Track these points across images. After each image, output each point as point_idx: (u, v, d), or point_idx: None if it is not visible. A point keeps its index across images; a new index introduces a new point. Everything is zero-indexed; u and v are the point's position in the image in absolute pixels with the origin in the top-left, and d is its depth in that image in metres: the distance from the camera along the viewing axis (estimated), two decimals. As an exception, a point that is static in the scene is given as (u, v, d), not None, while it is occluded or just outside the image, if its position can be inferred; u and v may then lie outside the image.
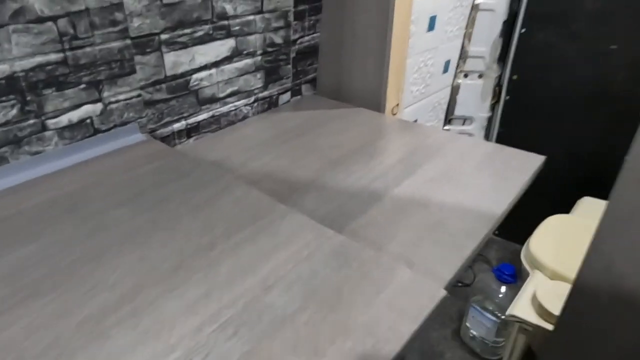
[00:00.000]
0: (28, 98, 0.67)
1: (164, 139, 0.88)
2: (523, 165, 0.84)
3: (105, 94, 0.76)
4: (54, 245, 0.56)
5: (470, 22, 1.74)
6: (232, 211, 0.62)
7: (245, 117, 1.05)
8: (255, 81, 1.03)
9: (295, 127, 1.01)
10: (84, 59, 0.71)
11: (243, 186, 0.69)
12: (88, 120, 0.76)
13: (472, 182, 0.78)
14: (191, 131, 0.93)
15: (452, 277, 0.57)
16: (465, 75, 1.85)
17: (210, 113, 0.96)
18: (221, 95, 0.96)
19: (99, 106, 0.76)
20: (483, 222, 0.68)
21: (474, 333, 1.58)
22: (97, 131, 0.78)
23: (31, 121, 0.69)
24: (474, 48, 1.79)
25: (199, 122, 0.94)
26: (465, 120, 1.96)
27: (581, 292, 0.84)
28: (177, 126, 0.90)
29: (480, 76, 1.86)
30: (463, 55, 1.80)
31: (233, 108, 1.00)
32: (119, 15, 0.72)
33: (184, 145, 0.92)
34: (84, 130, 0.76)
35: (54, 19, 0.65)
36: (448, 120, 1.94)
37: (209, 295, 0.48)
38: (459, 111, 1.92)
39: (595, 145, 1.70)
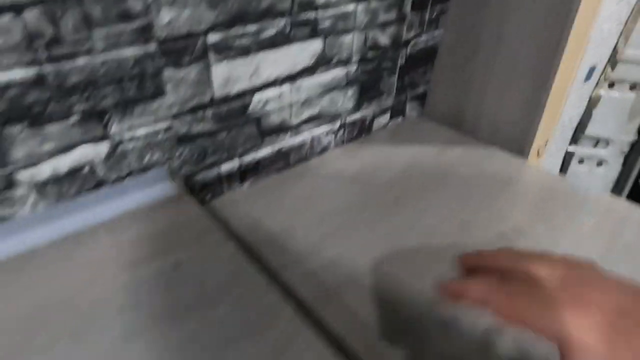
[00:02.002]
0: (-23, 141, 0.40)
1: (204, 187, 0.59)
2: None
3: (115, 128, 0.47)
4: None
5: (634, 16, 1.27)
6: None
7: (324, 150, 0.73)
8: (345, 100, 0.70)
9: (395, 175, 0.67)
10: (75, 76, 0.42)
11: (315, 342, 0.37)
12: (85, 169, 0.48)
13: None
14: (246, 173, 0.63)
15: None
16: (611, 85, 1.39)
17: (276, 147, 0.65)
18: (294, 122, 0.65)
19: (103, 146, 0.48)
20: None
21: None
22: (99, 184, 0.50)
23: (-14, 175, 0.42)
24: (632, 51, 1.32)
25: (258, 161, 0.64)
26: (598, 141, 1.51)
27: None
28: (225, 168, 0.60)
29: (632, 88, 1.39)
30: (613, 60, 1.34)
31: (309, 138, 0.69)
32: (134, 4, 0.42)
33: (233, 193, 0.62)
34: (78, 183, 0.48)
35: (17, 9, 0.37)
36: (575, 139, 1.50)
37: None
38: (592, 130, 1.47)
39: None
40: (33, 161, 0.44)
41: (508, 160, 0.72)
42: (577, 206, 0.62)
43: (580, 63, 0.93)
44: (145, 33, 0.44)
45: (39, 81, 0.40)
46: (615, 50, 1.28)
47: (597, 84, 1.34)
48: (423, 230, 0.56)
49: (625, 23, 1.23)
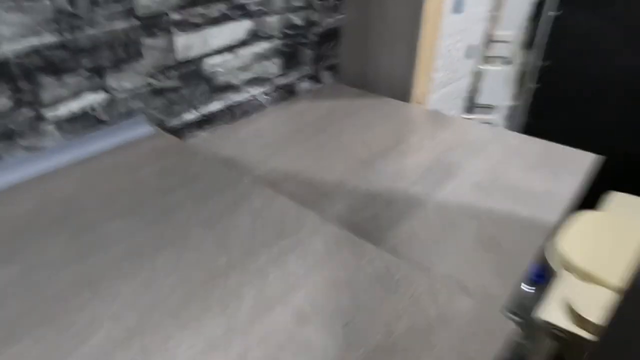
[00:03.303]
0: (20, 86, 0.58)
1: (175, 132, 0.80)
2: (576, 166, 0.75)
3: (110, 81, 0.67)
4: (36, 270, 0.47)
5: (498, 4, 1.62)
6: (253, 225, 0.54)
7: (262, 108, 0.95)
8: (273, 67, 0.94)
9: (316, 120, 0.92)
10: (85, 42, 0.62)
11: (264, 192, 0.60)
12: (91, 111, 0.67)
13: (522, 186, 0.69)
14: (204, 123, 0.84)
15: (510, 302, 0.49)
16: (489, 62, 1.73)
17: (225, 102, 0.87)
18: (236, 82, 0.87)
19: (102, 95, 0.67)
20: (537, 233, 0.60)
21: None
22: (100, 123, 0.69)
23: (25, 112, 0.60)
24: (500, 32, 1.67)
25: (212, 113, 0.85)
26: (487, 108, 1.86)
27: (634, 300, 0.75)
28: (188, 117, 0.81)
29: (505, 62, 1.74)
30: (488, 40, 1.68)
31: (249, 97, 0.91)
32: (123, -9, 0.63)
33: (196, 138, 0.83)
34: (85, 122, 0.67)
35: (49, -6, 0.56)
36: (469, 108, 1.84)
37: (230, 333, 0.40)
38: (481, 100, 1.82)
39: (629, 138, 1.60)
40: (55, 103, 0.63)
41: (396, 105, 0.99)
42: (440, 124, 0.89)
43: (449, 37, 1.23)
44: (130, 12, 0.65)
45: (61, 45, 0.60)
46: (488, 32, 1.63)
47: (479, 61, 1.68)
48: (336, 145, 0.81)
49: (492, 9, 1.58)
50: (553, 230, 0.61)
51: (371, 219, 0.61)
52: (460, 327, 0.41)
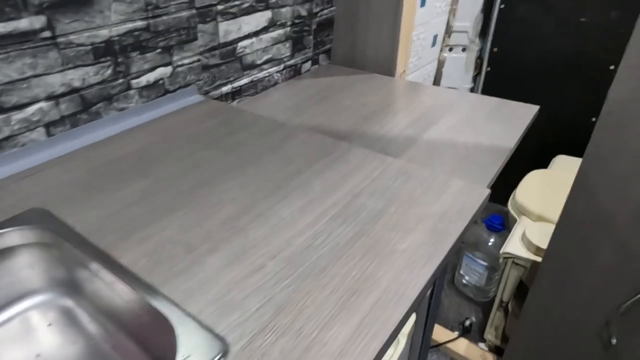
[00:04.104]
0: (119, 60, 0.78)
1: (214, 100, 1.00)
2: (524, 114, 1.02)
3: (175, 57, 0.87)
4: (166, 179, 0.68)
5: (455, -1, 1.90)
6: (304, 148, 0.76)
7: (275, 83, 1.17)
8: (285, 50, 1.16)
9: (320, 91, 1.15)
10: (161, 26, 0.82)
11: (305, 131, 0.82)
12: (161, 81, 0.87)
13: (485, 127, 0.95)
14: (235, 94, 1.05)
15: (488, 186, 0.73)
16: (450, 49, 2.01)
17: (250, 78, 1.08)
18: (259, 62, 1.09)
19: (169, 69, 0.88)
20: (500, 153, 0.85)
21: (467, 279, 1.78)
22: (166, 91, 0.89)
23: (120, 80, 0.80)
24: (458, 23, 1.95)
25: (241, 87, 1.06)
26: (450, 91, 2.12)
27: (566, 224, 1.03)
28: (225, 89, 1.02)
29: (463, 50, 2.02)
30: (448, 30, 1.96)
31: (267, 74, 1.13)
32: (189, -12, 0.84)
33: (230, 105, 1.04)
34: (157, 90, 0.87)
35: (143, -10, 0.76)
36: (435, 91, 2.10)
37: (312, 202, 0.62)
38: (444, 83, 2.09)
39: (568, 109, 1.91)
40: (139, 74, 0.83)
41: (383, 79, 1.24)
42: (420, 91, 1.14)
43: (418, 27, 1.48)
44: (192, 4, 0.86)
45: (147, 28, 0.80)
46: (448, 23, 1.90)
47: (441, 49, 1.95)
48: (341, 108, 1.04)
49: (451, 4, 1.86)
50: (509, 153, 0.86)
51: (380, 151, 0.85)
52: (455, 192, 0.65)
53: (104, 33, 0.74)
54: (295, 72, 1.23)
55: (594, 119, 1.90)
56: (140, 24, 0.79)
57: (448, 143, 0.88)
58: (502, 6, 1.91)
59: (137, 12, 0.77)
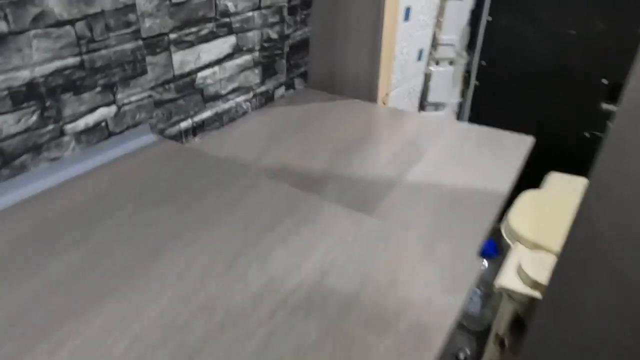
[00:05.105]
0: (47, 104, 0.66)
1: (172, 139, 0.89)
2: (516, 147, 0.91)
3: (119, 95, 0.76)
4: (100, 249, 0.56)
5: (440, 11, 1.81)
6: (267, 204, 0.65)
7: (245, 113, 1.06)
8: (254, 77, 1.05)
9: (295, 119, 1.04)
10: (99, 62, 0.70)
11: (269, 180, 0.71)
12: (103, 123, 0.75)
13: (475, 163, 0.85)
14: (197, 129, 0.94)
15: (478, 247, 0.63)
16: (437, 63, 1.92)
17: (214, 110, 0.97)
18: (223, 92, 0.97)
19: (113, 108, 0.76)
20: (493, 198, 0.75)
21: (461, 307, 1.68)
22: (111, 134, 0.77)
23: (50, 127, 0.68)
24: (445, 36, 1.86)
25: (203, 121, 0.95)
26: (438, 106, 2.04)
27: (568, 260, 0.92)
28: (184, 125, 0.91)
29: (450, 63, 1.94)
30: (434, 44, 1.87)
31: (234, 104, 1.02)
32: (132, 17, 0.72)
33: (191, 144, 0.93)
34: (99, 133, 0.75)
35: (72, 22, 0.65)
36: (422, 106, 2.02)
37: (270, 285, 0.51)
38: (432, 98, 2.00)
39: (558, 124, 1.83)
40: (74, 118, 0.71)
41: (363, 105, 1.13)
42: (402, 119, 1.04)
43: (401, 42, 1.39)
44: (136, 34, 0.74)
45: (80, 65, 0.68)
46: (434, 36, 1.81)
47: (427, 63, 1.86)
48: (316, 139, 0.93)
49: (437, 16, 1.77)
50: (503, 200, 0.76)
51: (358, 196, 0.74)
52: (442, 263, 0.54)
53: (25, 75, 0.62)
54: (267, 99, 1.12)
55: (587, 134, 1.82)
56: (71, 61, 0.67)
57: (433, 184, 0.78)
58: (490, 19, 1.83)
59: (66, 48, 0.66)
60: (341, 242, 0.57)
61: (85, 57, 0.68)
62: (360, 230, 0.60)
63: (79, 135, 0.73)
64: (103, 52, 0.70)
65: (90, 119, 0.73)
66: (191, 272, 0.53)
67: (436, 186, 0.77)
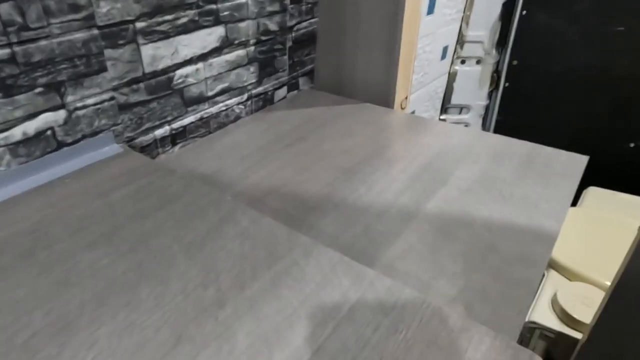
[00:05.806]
0: (-35, 108, 0.52)
1: (144, 149, 0.74)
2: (567, 169, 0.73)
3: (70, 98, 0.61)
4: (4, 315, 0.41)
5: (469, 4, 1.63)
6: (240, 249, 0.49)
7: (237, 118, 0.90)
8: (249, 76, 0.89)
9: (296, 128, 0.87)
10: (38, 55, 0.55)
11: (248, 212, 0.55)
12: (49, 132, 0.60)
13: (515, 192, 0.67)
14: (176, 137, 0.79)
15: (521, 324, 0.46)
16: (463, 62, 1.74)
17: (198, 115, 0.81)
18: (210, 93, 0.82)
19: (61, 113, 0.61)
20: (542, 243, 0.57)
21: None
22: (61, 144, 0.62)
23: (-28, 137, 0.54)
24: (472, 32, 1.68)
25: (185, 127, 0.79)
26: (462, 109, 1.86)
27: (622, 298, 0.74)
28: (159, 132, 0.75)
29: (478, 62, 1.75)
30: (460, 41, 1.69)
31: (224, 108, 0.86)
32: (81, -1, 0.57)
33: (168, 154, 0.78)
34: (43, 144, 0.61)
35: (-7, 3, 0.50)
36: (444, 109, 1.84)
37: (225, 381, 0.35)
38: (455, 100, 1.82)
39: (598, 132, 1.63)
40: (6, 126, 0.56)
41: (377, 111, 0.96)
42: (421, 129, 0.87)
43: (423, 38, 1.21)
44: (89, 21, 0.59)
45: (11, 59, 0.53)
46: (460, 32, 1.62)
47: (452, 62, 1.68)
48: (317, 155, 0.77)
49: (464, 10, 1.58)
50: (552, 245, 0.59)
51: (363, 234, 0.57)
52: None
53: None
54: (265, 101, 0.96)
55: (631, 145, 1.61)
56: (-3, 53, 0.52)
57: (461, 221, 0.61)
58: (524, 12, 1.63)
59: (-12, 37, 0.51)
60: (337, 310, 0.41)
61: (17, 48, 0.53)
62: (363, 292, 0.43)
63: (14, 147, 0.58)
64: (42, 43, 0.55)
65: (30, 127, 0.58)
66: (119, 353, 0.37)
67: (465, 224, 0.60)
